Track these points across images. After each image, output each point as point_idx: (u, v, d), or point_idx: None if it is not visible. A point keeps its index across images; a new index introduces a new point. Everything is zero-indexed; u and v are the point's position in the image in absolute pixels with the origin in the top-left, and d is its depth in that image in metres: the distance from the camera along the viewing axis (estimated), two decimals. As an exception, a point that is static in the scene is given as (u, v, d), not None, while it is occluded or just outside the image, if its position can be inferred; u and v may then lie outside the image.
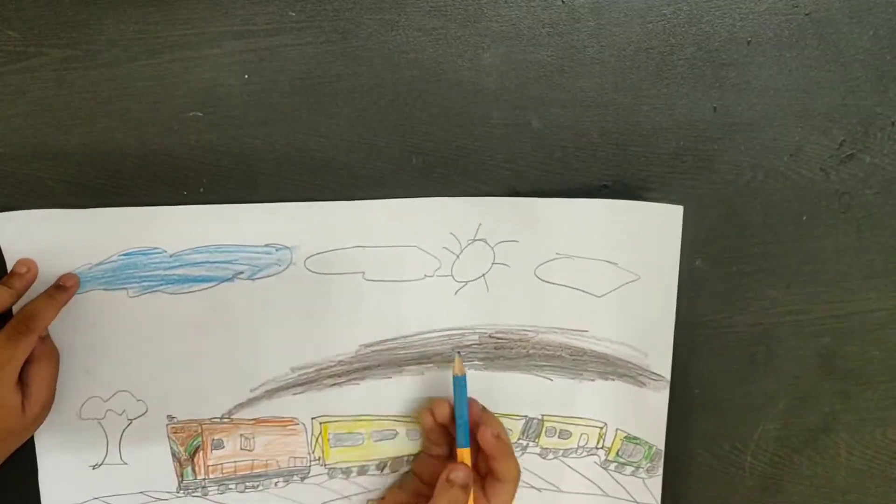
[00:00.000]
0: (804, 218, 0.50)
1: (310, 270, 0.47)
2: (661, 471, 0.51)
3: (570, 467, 0.51)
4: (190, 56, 0.44)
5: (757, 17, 0.47)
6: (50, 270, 0.45)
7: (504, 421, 0.49)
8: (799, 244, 0.50)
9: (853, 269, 0.51)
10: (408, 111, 0.46)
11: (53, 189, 0.45)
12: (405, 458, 0.50)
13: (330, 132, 0.46)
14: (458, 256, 0.47)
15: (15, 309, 0.44)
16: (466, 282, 0.48)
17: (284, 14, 0.44)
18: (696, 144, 0.48)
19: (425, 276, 0.47)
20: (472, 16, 0.45)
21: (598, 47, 0.46)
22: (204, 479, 0.49)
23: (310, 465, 0.49)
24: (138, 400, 0.47)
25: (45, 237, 0.45)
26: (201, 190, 0.46)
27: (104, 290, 0.46)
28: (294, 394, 0.48)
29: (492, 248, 0.47)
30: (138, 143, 0.45)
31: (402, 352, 0.48)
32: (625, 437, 0.51)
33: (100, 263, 0.45)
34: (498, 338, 0.49)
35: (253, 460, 0.49)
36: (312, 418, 0.49)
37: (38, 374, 0.43)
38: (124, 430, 0.47)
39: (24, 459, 0.47)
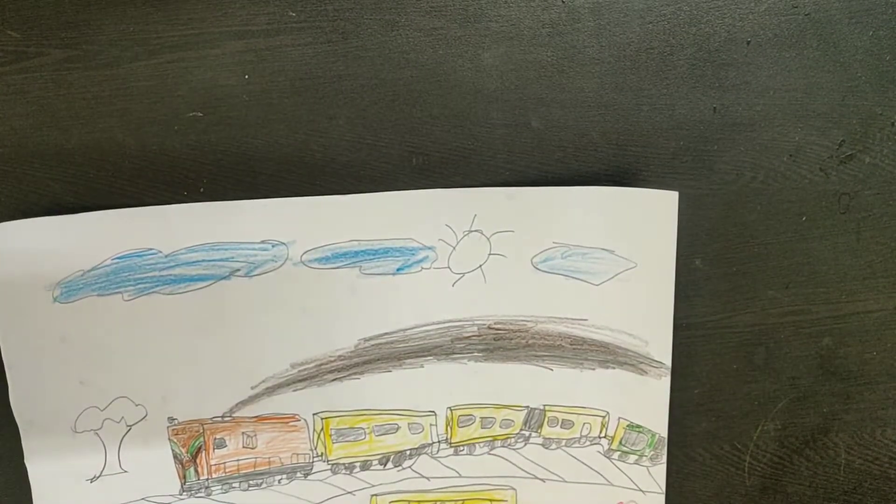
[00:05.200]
0: (804, 218, 0.50)
1: (306, 266, 0.47)
2: (664, 458, 0.51)
3: (574, 457, 0.51)
4: (190, 56, 0.44)
5: (757, 18, 0.47)
6: (42, 280, 0.45)
7: (505, 412, 0.50)
8: (798, 244, 0.50)
9: (852, 270, 0.51)
10: (408, 111, 0.46)
11: (53, 189, 0.45)
12: (407, 452, 0.50)
13: (330, 132, 0.46)
14: (454, 248, 0.47)
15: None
16: (463, 273, 0.48)
17: (284, 14, 0.44)
18: (696, 144, 0.48)
19: (422, 268, 0.47)
20: (472, 16, 0.45)
21: (598, 47, 0.46)
22: (207, 480, 0.49)
23: (312, 462, 0.49)
24: (137, 405, 0.47)
25: (35, 247, 0.44)
26: (201, 190, 0.46)
27: (98, 295, 0.45)
28: (295, 390, 0.48)
29: (488, 239, 0.48)
30: (138, 143, 0.45)
31: (401, 345, 0.48)
32: (627, 426, 0.51)
33: (92, 269, 0.45)
34: (497, 329, 0.49)
35: (256, 458, 0.49)
36: (314, 414, 0.49)
37: None
38: (123, 437, 0.47)
39: (18, 480, 0.47)
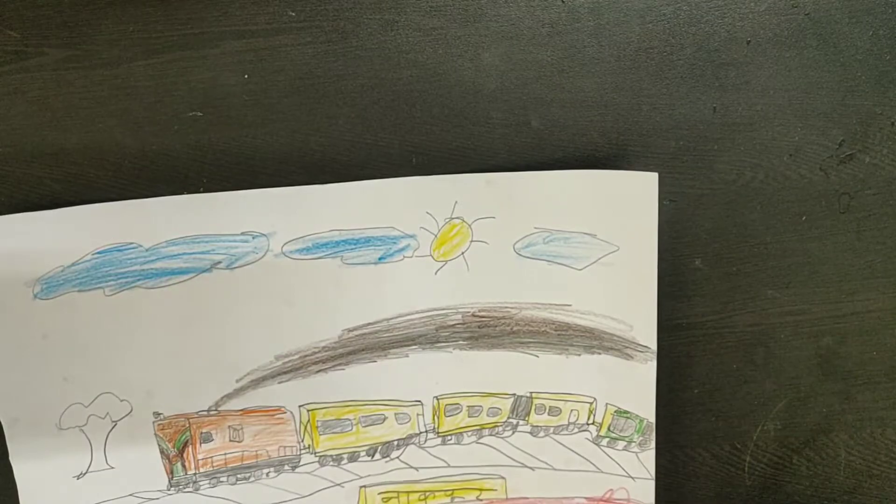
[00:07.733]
0: (804, 218, 0.50)
1: (288, 257, 0.46)
2: (653, 444, 0.51)
3: (563, 444, 0.51)
4: (190, 56, 0.44)
5: (757, 17, 0.47)
6: (21, 277, 0.44)
7: (492, 400, 0.49)
8: (798, 244, 0.50)
9: (853, 270, 0.51)
10: (408, 111, 0.46)
11: (53, 189, 0.45)
12: (395, 443, 0.50)
13: (330, 132, 0.46)
14: (435, 236, 0.47)
15: None
16: (446, 261, 0.48)
17: (284, 14, 0.44)
18: (695, 144, 0.48)
19: (404, 257, 0.47)
20: (472, 16, 0.45)
21: (598, 47, 0.46)
22: (195, 474, 0.48)
23: (300, 454, 0.49)
24: (122, 400, 0.46)
25: (13, 243, 0.44)
26: (201, 190, 0.46)
27: (79, 291, 0.45)
28: (280, 382, 0.48)
29: (469, 226, 0.47)
30: (138, 143, 0.45)
31: (385, 335, 0.48)
32: (615, 412, 0.51)
33: (73, 264, 0.44)
34: (481, 316, 0.49)
35: (243, 451, 0.49)
36: (300, 406, 0.48)
37: None
38: (109, 433, 0.47)
39: (3, 478, 0.47)
